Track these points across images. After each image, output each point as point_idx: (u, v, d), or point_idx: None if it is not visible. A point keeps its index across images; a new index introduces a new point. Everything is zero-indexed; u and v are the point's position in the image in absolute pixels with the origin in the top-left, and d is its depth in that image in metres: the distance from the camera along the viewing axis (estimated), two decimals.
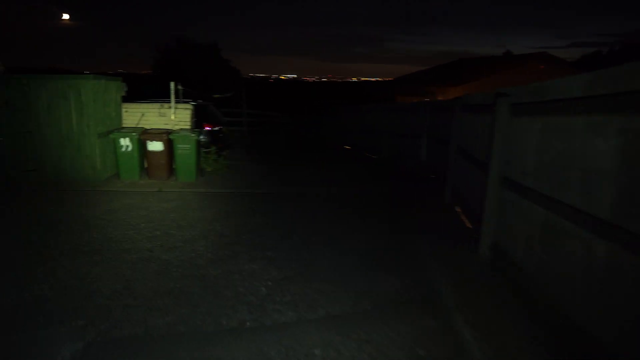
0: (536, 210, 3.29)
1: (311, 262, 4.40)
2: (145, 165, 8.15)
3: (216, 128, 10.04)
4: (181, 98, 9.27)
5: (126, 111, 8.64)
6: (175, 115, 8.77)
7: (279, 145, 14.83)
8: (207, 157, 9.08)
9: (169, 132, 8.12)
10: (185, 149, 7.90)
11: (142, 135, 7.93)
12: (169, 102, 8.72)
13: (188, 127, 8.80)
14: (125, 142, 7.77)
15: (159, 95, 10.08)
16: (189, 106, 8.94)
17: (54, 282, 3.71)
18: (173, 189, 7.54)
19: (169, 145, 7.98)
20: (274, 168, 9.96)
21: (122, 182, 7.84)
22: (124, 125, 8.55)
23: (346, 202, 7.11)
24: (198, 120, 9.48)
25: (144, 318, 3.15)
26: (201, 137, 9.38)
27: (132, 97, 9.09)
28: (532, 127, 3.46)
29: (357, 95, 51.92)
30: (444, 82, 28.34)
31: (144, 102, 8.96)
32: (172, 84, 8.70)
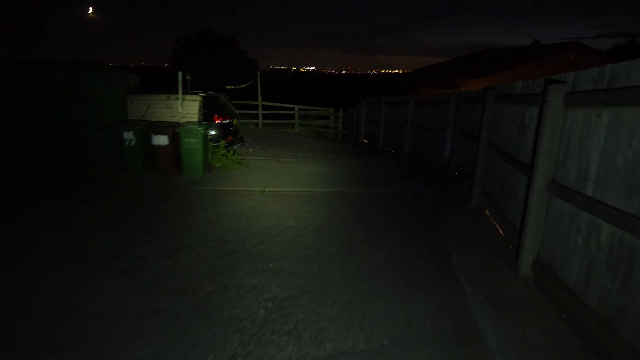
0: (599, 225, 2.60)
1: (325, 278, 3.81)
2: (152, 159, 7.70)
3: (227, 121, 9.52)
4: (189, 89, 8.78)
5: (132, 103, 8.19)
6: (183, 108, 8.27)
7: (293, 140, 14.26)
8: (216, 152, 8.58)
9: (175, 125, 7.63)
10: (191, 144, 7.40)
11: (147, 129, 7.47)
12: (177, 93, 8.22)
13: (196, 119, 8.30)
14: (128, 135, 7.32)
15: (173, 87, 9.67)
16: (197, 97, 8.43)
17: None
18: (177, 185, 7.06)
19: (175, 139, 7.49)
20: (287, 164, 9.39)
21: (124, 177, 7.41)
22: (129, 118, 8.11)
23: (365, 204, 6.48)
24: (207, 113, 8.98)
25: None
26: (211, 131, 8.89)
27: (149, 89, 8.72)
28: (596, 120, 2.76)
29: (377, 87, 50.80)
30: (467, 74, 27.14)
31: (151, 94, 8.49)
32: (179, 74, 8.21)
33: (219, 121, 9.24)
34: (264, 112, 16.93)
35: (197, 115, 8.32)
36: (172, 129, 7.46)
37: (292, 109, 17.08)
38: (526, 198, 3.64)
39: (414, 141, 11.27)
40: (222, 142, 8.90)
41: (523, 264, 3.57)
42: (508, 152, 4.85)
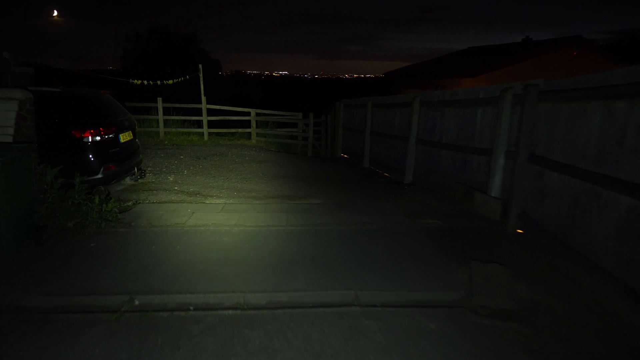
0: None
1: None
2: None
3: (108, 136, 5.32)
4: (10, 79, 4.57)
5: None
6: None
7: (245, 158, 10.13)
8: (71, 199, 4.40)
9: None
10: None
11: None
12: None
13: (9, 136, 4.08)
14: None
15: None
16: (16, 95, 4.20)
17: None
18: None
19: None
20: (214, 214, 5.28)
21: None
22: None
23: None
24: (62, 122, 4.81)
25: None
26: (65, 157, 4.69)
27: None
28: None
29: (352, 90, 47.20)
30: (457, 73, 23.81)
31: None
32: None
33: (88, 137, 5.05)
34: (211, 118, 12.73)
35: (10, 129, 4.09)
36: None
37: (248, 114, 12.94)
38: None
39: (423, 163, 7.38)
40: (79, 179, 4.71)
41: None
42: None
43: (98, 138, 5.10)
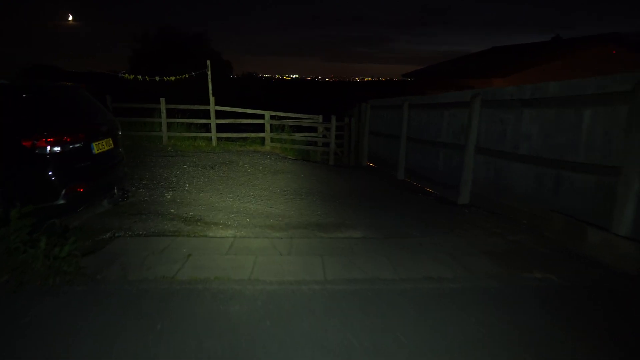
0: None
1: None
2: None
3: (74, 145, 3.84)
4: None
5: None
6: None
7: (259, 168, 8.62)
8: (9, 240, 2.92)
9: None
10: None
11: None
12: None
13: None
14: None
15: None
16: None
17: None
18: None
19: None
20: (212, 249, 3.77)
21: None
22: None
23: None
24: (5, 127, 3.35)
25: None
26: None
27: None
28: None
29: (369, 92, 45.56)
30: (482, 74, 22.08)
31: None
32: None
33: (44, 147, 3.58)
34: (220, 121, 11.27)
35: None
36: None
37: (261, 116, 11.45)
38: None
39: (486, 179, 5.76)
40: (61, 200, 3.28)
41: None
42: None
43: (58, 148, 3.62)
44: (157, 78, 9.49)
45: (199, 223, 4.64)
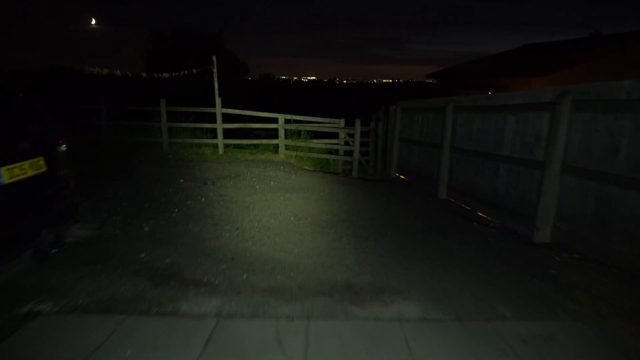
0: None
1: None
2: None
3: None
4: None
5: None
6: None
7: (269, 183, 7.14)
8: None
9: None
10: None
11: None
12: None
13: None
14: None
15: None
16: None
17: None
18: None
19: None
20: (178, 348, 2.26)
21: None
22: None
23: None
24: None
25: None
26: None
27: None
28: None
29: (392, 94, 43.72)
30: (519, 72, 20.13)
31: None
32: None
33: None
34: (227, 125, 9.84)
35: None
36: None
37: (275, 120, 9.97)
38: None
39: (583, 212, 4.08)
40: None
41: None
42: None
43: None
44: (143, 74, 8.12)
45: (172, 282, 3.15)
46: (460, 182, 6.56)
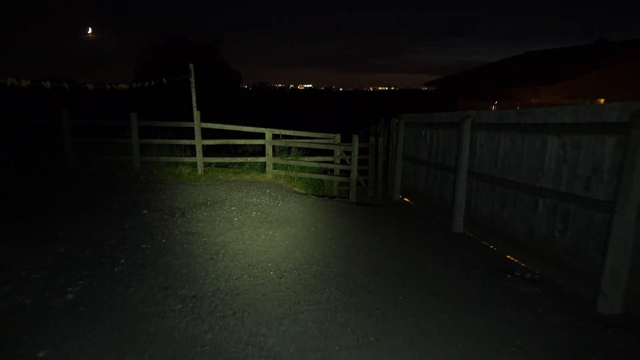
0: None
1: None
2: None
3: None
4: None
5: None
6: None
7: (250, 214, 5.91)
8: None
9: None
10: None
11: None
12: None
13: None
14: None
15: None
16: None
17: None
18: None
19: None
20: None
21: None
22: None
23: None
24: None
25: None
26: None
27: None
28: None
29: (391, 104, 42.59)
30: (526, 81, 19.08)
31: None
32: None
33: None
34: (207, 142, 8.62)
35: None
36: None
37: (261, 135, 8.77)
38: None
39: None
40: None
41: None
42: None
43: None
44: (108, 86, 6.89)
45: None
46: (481, 215, 5.38)
